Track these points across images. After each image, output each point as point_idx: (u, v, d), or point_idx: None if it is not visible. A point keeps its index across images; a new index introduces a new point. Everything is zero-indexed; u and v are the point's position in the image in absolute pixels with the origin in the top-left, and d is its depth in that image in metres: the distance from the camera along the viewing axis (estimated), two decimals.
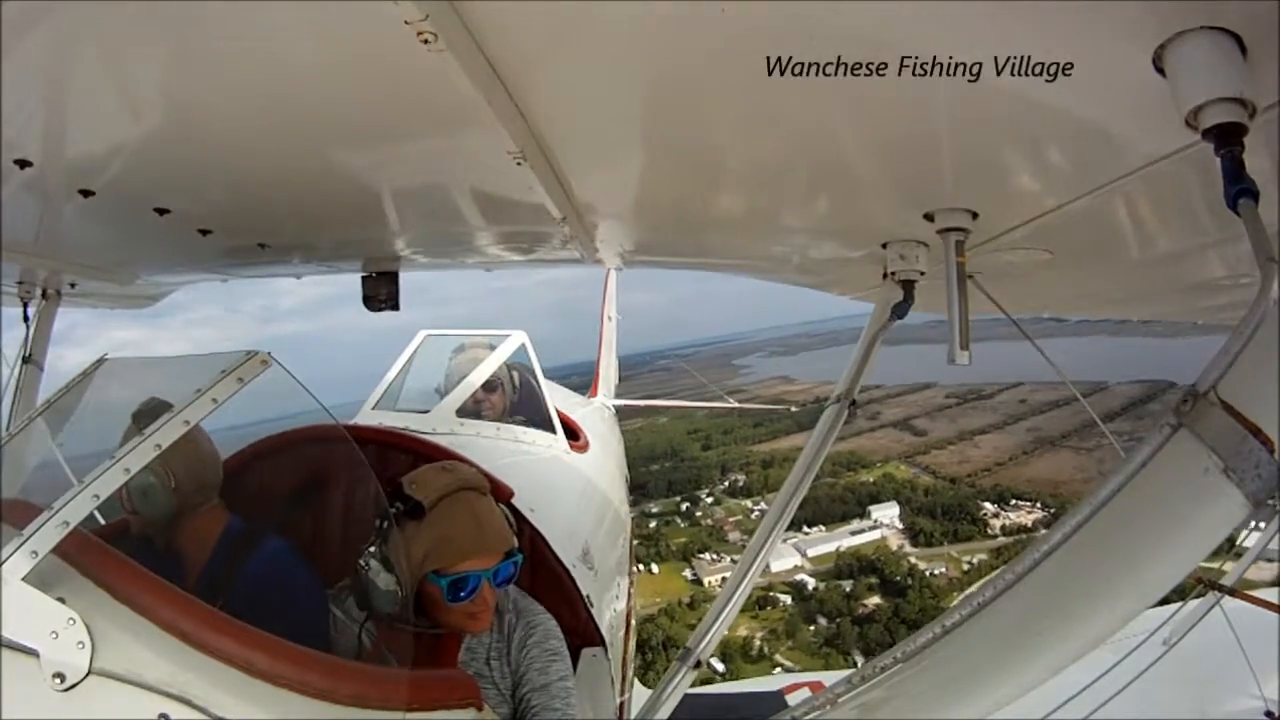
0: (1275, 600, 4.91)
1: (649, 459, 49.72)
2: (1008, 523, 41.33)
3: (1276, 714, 4.60)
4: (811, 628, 36.26)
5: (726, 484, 48.56)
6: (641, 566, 36.49)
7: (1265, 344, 1.22)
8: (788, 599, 37.47)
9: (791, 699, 6.64)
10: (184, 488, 2.07)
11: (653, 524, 44.04)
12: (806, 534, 40.94)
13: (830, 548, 41.20)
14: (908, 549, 40.94)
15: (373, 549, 1.89)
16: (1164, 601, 4.52)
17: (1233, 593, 4.78)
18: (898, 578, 38.16)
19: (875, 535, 41.90)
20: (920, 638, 1.53)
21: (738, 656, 32.72)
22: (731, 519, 45.37)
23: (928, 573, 37.96)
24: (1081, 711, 3.99)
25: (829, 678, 6.99)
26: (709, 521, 45.77)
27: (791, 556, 38.61)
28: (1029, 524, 40.11)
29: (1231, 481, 1.20)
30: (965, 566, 37.79)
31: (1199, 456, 1.24)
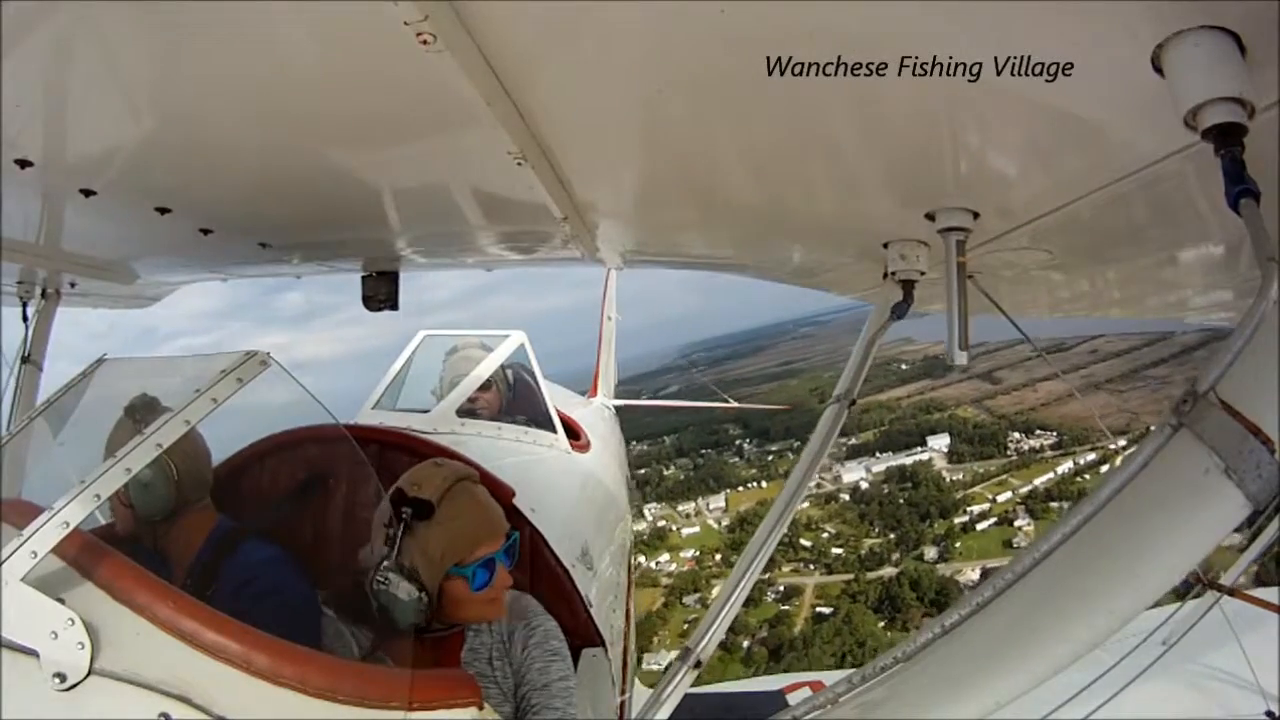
0: (1275, 600, 4.91)
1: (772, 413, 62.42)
2: (1024, 446, 52.79)
3: (1277, 714, 4.60)
4: (851, 512, 51.36)
5: None
6: (754, 484, 54.54)
7: (1265, 344, 1.22)
8: (846, 496, 52.25)
9: (792, 698, 6.63)
10: (184, 482, 2.07)
11: (770, 458, 57.63)
12: (877, 457, 53.45)
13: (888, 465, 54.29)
14: (940, 464, 53.19)
15: (386, 563, 1.86)
16: (1163, 601, 4.54)
17: (1233, 593, 4.77)
18: (919, 477, 52.16)
19: (924, 457, 53.47)
20: (920, 637, 1.53)
21: (800, 526, 47.70)
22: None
23: (947, 479, 51.77)
24: (1081, 711, 3.99)
25: (829, 677, 6.97)
26: None
27: (859, 472, 52.08)
28: (1038, 447, 52.25)
29: (1232, 481, 1.20)
30: (977, 472, 51.57)
31: (1199, 456, 1.24)
